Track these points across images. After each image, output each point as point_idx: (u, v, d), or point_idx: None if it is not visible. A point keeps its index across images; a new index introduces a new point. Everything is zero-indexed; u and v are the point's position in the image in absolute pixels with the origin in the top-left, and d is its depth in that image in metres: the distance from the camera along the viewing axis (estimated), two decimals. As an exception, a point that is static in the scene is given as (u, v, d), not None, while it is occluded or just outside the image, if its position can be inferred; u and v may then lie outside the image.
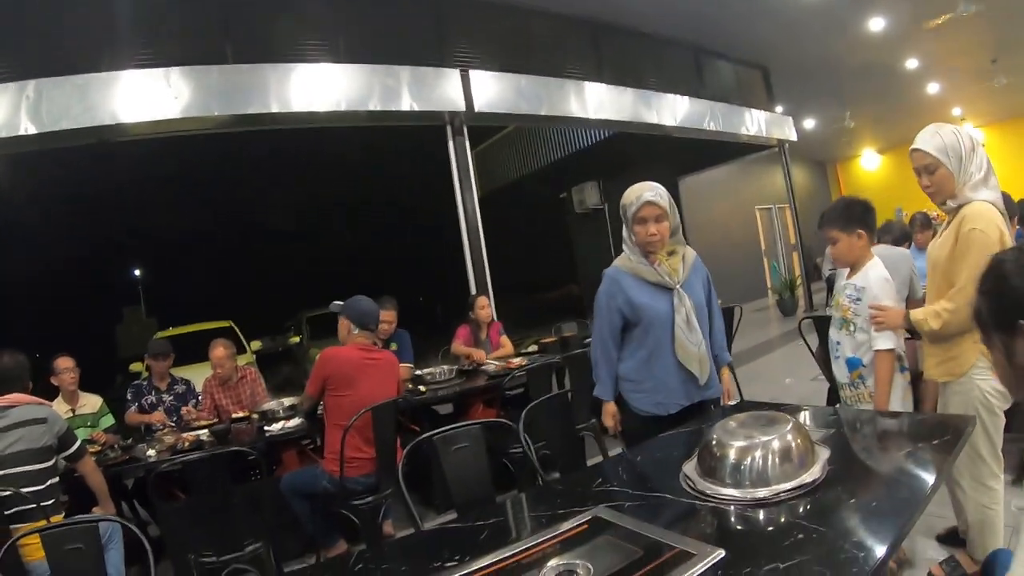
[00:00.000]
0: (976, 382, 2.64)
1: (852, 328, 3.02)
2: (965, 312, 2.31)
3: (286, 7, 7.03)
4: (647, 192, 2.97)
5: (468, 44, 8.03)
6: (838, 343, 3.10)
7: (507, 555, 1.70)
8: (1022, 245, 1.92)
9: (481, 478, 2.76)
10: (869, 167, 21.52)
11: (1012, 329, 1.28)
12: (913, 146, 2.78)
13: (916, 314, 2.76)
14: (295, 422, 4.48)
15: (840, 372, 3.12)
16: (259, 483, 4.23)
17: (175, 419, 5.23)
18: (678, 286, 3.01)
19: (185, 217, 17.41)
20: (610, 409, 3.17)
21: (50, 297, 18.21)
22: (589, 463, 4.70)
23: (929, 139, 2.72)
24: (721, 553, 1.53)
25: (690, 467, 2.05)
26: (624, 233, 3.10)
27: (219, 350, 5.27)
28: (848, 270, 3.16)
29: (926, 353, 2.91)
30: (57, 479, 3.42)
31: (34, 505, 3.13)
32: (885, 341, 2.86)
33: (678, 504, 1.91)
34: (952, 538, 3.21)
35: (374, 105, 6.75)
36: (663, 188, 3.01)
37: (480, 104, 7.40)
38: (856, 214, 3.06)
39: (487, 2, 8.24)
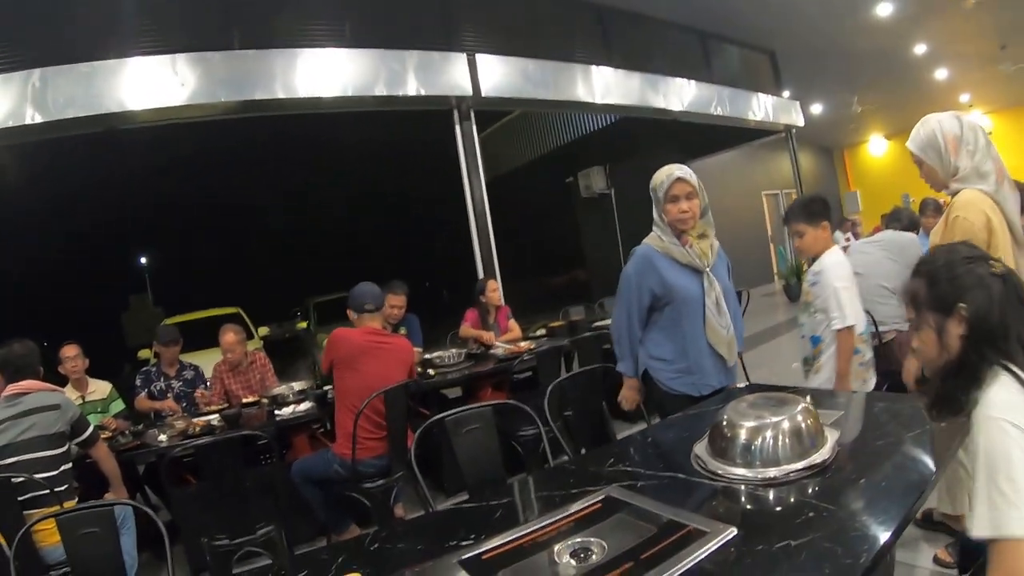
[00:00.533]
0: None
1: (812, 309, 3.29)
2: None
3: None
4: (676, 170, 3.03)
5: (475, 28, 8.00)
6: (802, 323, 3.39)
7: (522, 534, 1.72)
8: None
9: (492, 459, 2.78)
10: (876, 153, 21.36)
11: (949, 311, 1.54)
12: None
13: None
14: (305, 406, 4.52)
15: (804, 349, 3.40)
16: (270, 467, 4.26)
17: (184, 404, 5.26)
18: (707, 269, 3.05)
19: (191, 204, 17.38)
20: (634, 384, 3.23)
21: (57, 285, 18.20)
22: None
23: (913, 135, 2.78)
24: (733, 531, 1.55)
25: (701, 447, 2.07)
26: (655, 214, 3.11)
27: (229, 335, 5.28)
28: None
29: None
30: (70, 465, 3.45)
31: (47, 491, 3.16)
32: (839, 321, 3.12)
33: (690, 484, 1.94)
34: (928, 521, 3.30)
35: (380, 90, 6.75)
36: (688, 168, 3.07)
37: (487, 88, 7.39)
38: (819, 209, 3.35)
39: (493, -14, 8.22)
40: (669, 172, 3.04)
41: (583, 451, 3.13)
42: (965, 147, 2.66)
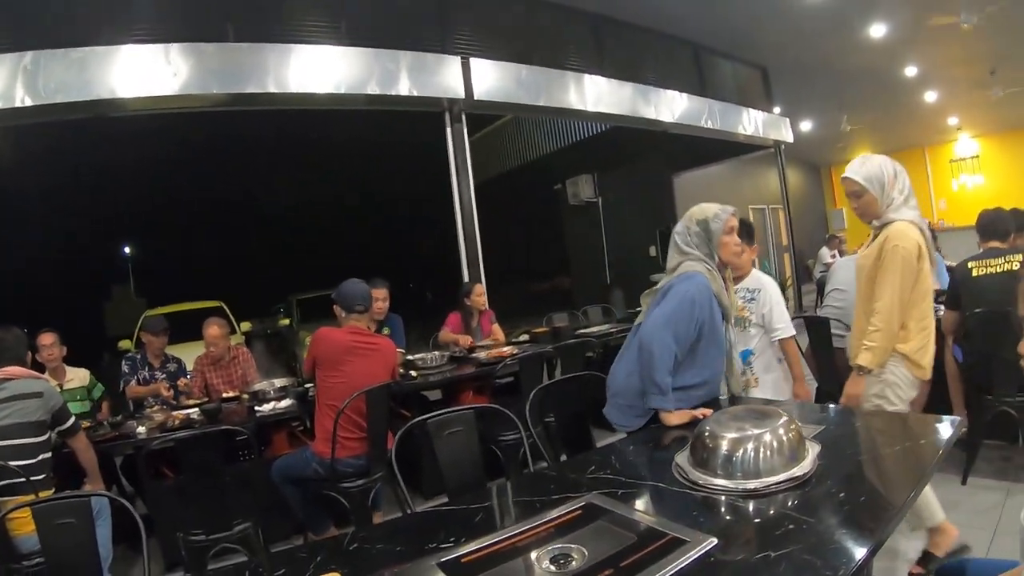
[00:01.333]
0: (890, 369, 3.04)
1: (746, 324, 3.52)
2: (890, 332, 2.96)
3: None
4: (727, 206, 2.92)
5: (470, 31, 8.01)
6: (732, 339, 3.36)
7: (502, 538, 1.72)
8: None
9: (474, 463, 2.78)
10: (863, 172, 21.39)
11: None
12: (844, 175, 3.15)
13: (863, 362, 3.04)
14: (286, 403, 4.50)
15: (736, 364, 3.38)
16: (249, 463, 4.24)
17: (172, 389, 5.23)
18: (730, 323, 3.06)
19: (176, 196, 17.29)
20: (681, 415, 2.70)
21: (37, 273, 18.05)
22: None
23: (858, 168, 3.08)
24: (713, 541, 1.56)
25: (683, 458, 2.08)
26: (702, 249, 2.90)
27: (213, 328, 5.25)
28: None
29: (853, 345, 3.21)
30: (49, 455, 3.43)
31: (23, 479, 3.14)
32: (786, 331, 3.50)
33: (671, 493, 1.94)
34: None
35: (373, 89, 6.74)
36: None
37: (479, 92, 7.40)
38: (751, 230, 3.61)
39: (490, -10, 8.24)
40: (721, 206, 2.91)
41: (563, 458, 3.11)
42: (899, 182, 3.05)
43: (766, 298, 3.52)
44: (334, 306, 4.12)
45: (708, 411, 2.63)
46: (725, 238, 2.89)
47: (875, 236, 3.11)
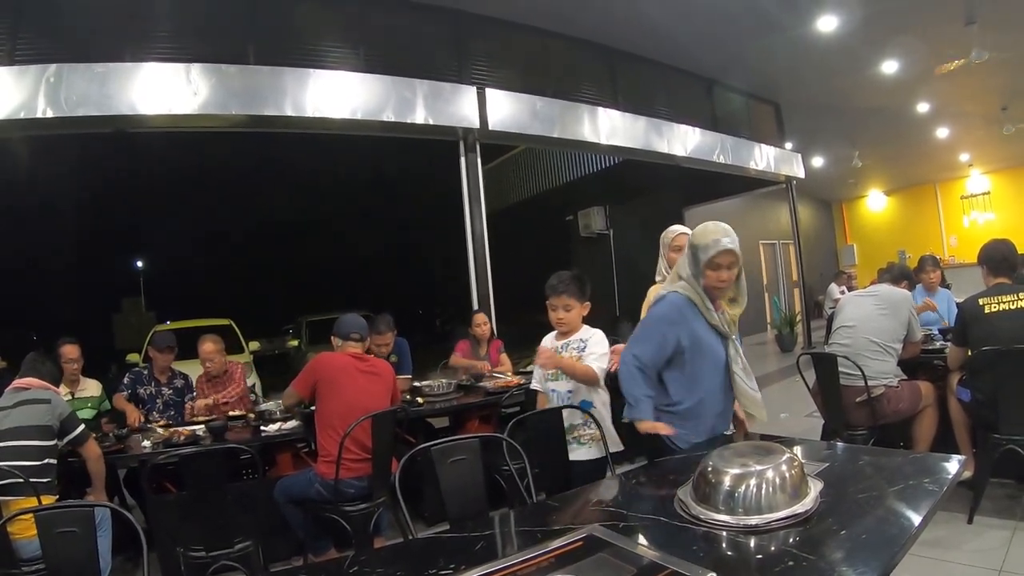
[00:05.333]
0: None
1: None
2: None
3: (311, 12, 7.10)
4: (724, 239, 2.91)
5: (486, 62, 8.10)
6: (569, 391, 3.52)
7: (501, 567, 1.72)
8: None
9: (476, 492, 2.78)
10: (875, 208, 21.53)
11: None
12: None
13: None
14: (292, 424, 4.51)
15: (574, 416, 3.49)
16: (253, 482, 4.25)
17: (172, 413, 5.25)
18: (732, 336, 3.06)
19: (191, 213, 17.43)
20: (649, 425, 2.87)
21: (51, 281, 18.19)
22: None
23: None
24: (713, 576, 1.56)
25: (685, 492, 2.08)
26: (688, 269, 3.01)
27: (208, 344, 5.29)
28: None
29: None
30: (55, 461, 3.50)
31: (23, 480, 3.19)
32: (598, 362, 3.45)
33: (672, 527, 1.94)
34: None
35: (388, 116, 6.80)
36: (732, 231, 2.98)
37: (494, 122, 7.45)
38: (587, 288, 3.64)
39: (507, 22, 8.31)
40: (716, 238, 2.91)
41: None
42: None
43: (599, 350, 3.49)
44: (332, 337, 4.17)
45: (670, 429, 2.84)
46: (709, 272, 2.93)
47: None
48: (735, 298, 3.09)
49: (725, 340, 3.03)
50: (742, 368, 3.04)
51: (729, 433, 3.19)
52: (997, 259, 4.23)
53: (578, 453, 3.44)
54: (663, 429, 2.82)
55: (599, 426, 3.31)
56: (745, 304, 3.11)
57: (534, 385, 3.84)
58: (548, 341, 3.72)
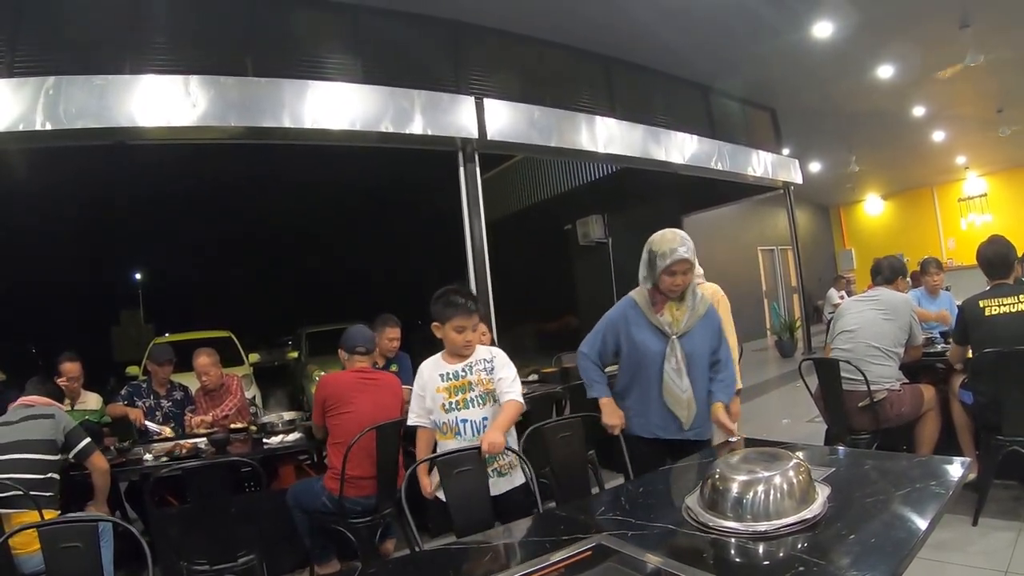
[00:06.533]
0: None
1: (494, 398, 3.18)
2: None
3: (309, 23, 7.11)
4: (681, 248, 3.13)
5: (484, 72, 8.11)
6: (485, 419, 3.14)
7: (510, 577, 1.72)
8: None
9: (482, 502, 2.78)
10: (872, 212, 21.59)
11: None
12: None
13: None
14: (294, 436, 4.49)
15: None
16: (255, 495, 4.23)
17: (172, 425, 5.24)
18: (675, 336, 3.22)
19: (190, 225, 17.40)
20: (609, 403, 3.38)
21: (50, 294, 18.15)
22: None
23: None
24: (723, 583, 1.56)
25: (692, 499, 2.08)
26: (644, 271, 3.29)
27: (203, 358, 5.29)
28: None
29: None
30: (58, 476, 3.53)
31: (22, 492, 3.20)
32: (516, 386, 3.20)
33: (680, 535, 1.94)
34: None
35: (387, 127, 6.80)
36: (689, 238, 3.23)
37: (493, 132, 7.45)
38: (481, 311, 3.57)
39: (504, 32, 8.33)
40: (673, 247, 3.14)
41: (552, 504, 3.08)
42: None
43: (501, 363, 3.24)
44: (339, 350, 4.16)
45: (619, 420, 3.31)
46: (664, 276, 3.16)
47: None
48: (683, 297, 3.28)
49: (667, 339, 3.22)
50: (674, 367, 3.20)
51: (703, 439, 3.32)
52: (992, 260, 4.23)
53: (499, 485, 3.10)
54: (615, 418, 3.32)
55: (513, 450, 3.13)
56: (696, 307, 3.31)
57: (414, 421, 3.28)
58: (436, 367, 3.26)
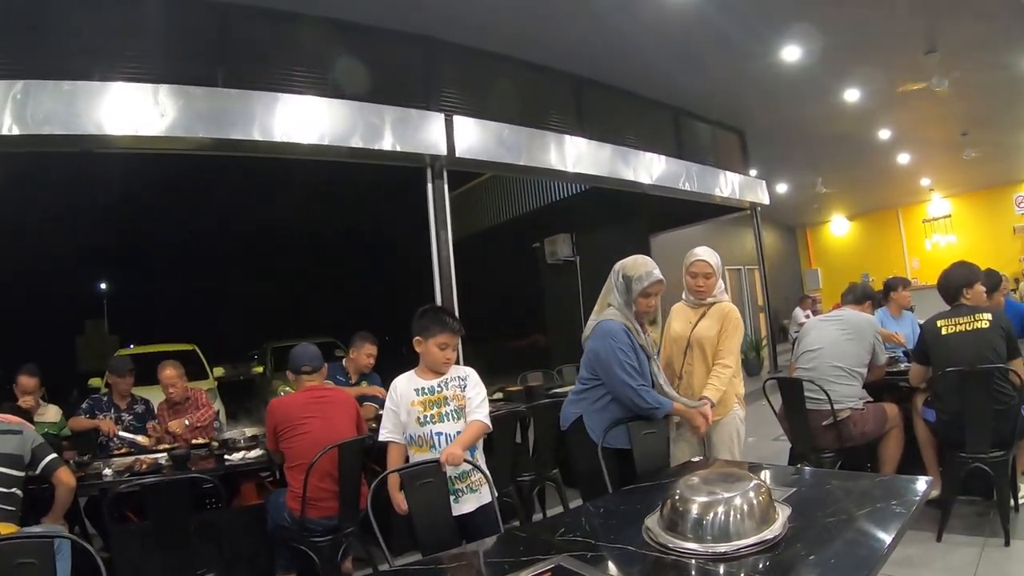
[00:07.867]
0: (735, 414, 3.84)
1: (463, 413, 3.22)
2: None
3: (280, 36, 7.06)
4: (655, 271, 3.46)
5: (454, 89, 8.11)
6: (459, 431, 3.15)
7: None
8: None
9: (446, 517, 2.77)
10: (838, 233, 21.90)
11: None
12: (700, 258, 3.99)
13: (711, 395, 3.68)
14: (256, 453, 4.42)
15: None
16: (216, 512, 4.17)
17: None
18: (654, 356, 3.56)
19: (155, 236, 17.23)
20: (683, 409, 3.59)
21: (13, 301, 17.81)
22: (549, 513, 4.71)
23: (710, 256, 4.01)
24: (682, 605, 1.56)
25: (653, 520, 2.08)
26: (619, 298, 3.48)
27: (168, 371, 5.22)
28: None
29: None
30: (21, 493, 3.47)
31: None
32: (484, 408, 3.25)
33: (640, 556, 1.94)
34: None
35: (356, 142, 6.75)
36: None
37: (462, 150, 7.43)
38: (457, 326, 3.52)
39: (475, 49, 8.32)
40: (648, 270, 3.43)
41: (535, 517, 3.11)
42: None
43: (473, 383, 3.31)
44: (287, 372, 4.13)
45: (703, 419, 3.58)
46: (641, 299, 3.44)
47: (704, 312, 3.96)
48: (654, 320, 3.63)
49: (649, 359, 3.50)
50: (664, 381, 3.58)
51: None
52: (946, 287, 4.39)
53: (469, 502, 3.11)
54: (700, 417, 3.55)
55: (480, 468, 3.15)
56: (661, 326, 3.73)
57: (386, 437, 3.26)
58: (411, 382, 3.29)
